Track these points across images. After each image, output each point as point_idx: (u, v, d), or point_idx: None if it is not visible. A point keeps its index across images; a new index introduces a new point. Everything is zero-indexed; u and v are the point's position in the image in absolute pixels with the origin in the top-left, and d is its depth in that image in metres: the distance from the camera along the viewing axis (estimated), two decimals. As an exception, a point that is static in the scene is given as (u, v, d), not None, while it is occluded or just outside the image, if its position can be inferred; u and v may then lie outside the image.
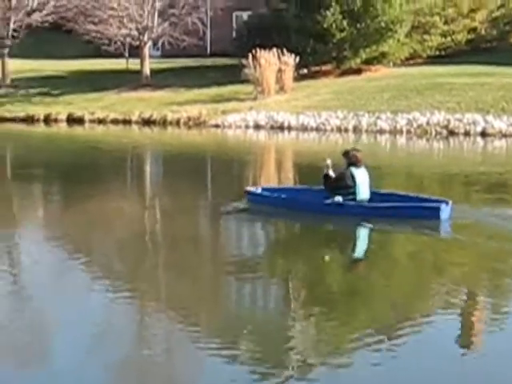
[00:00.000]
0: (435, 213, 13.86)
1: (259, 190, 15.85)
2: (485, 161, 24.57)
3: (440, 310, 9.59)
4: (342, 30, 37.49)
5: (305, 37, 37.34)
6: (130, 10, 41.41)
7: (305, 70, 39.53)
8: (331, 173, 14.77)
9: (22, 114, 38.58)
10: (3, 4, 43.94)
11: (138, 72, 41.97)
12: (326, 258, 12.45)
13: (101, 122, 36.68)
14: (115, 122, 36.38)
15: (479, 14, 43.19)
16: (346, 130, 31.16)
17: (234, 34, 45.27)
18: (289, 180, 20.96)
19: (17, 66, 45.17)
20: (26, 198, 18.52)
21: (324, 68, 40.06)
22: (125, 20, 41.86)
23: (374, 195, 14.67)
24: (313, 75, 39.77)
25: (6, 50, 44.46)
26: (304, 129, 31.90)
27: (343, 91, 35.68)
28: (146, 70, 41.96)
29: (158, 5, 41.89)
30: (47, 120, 37.78)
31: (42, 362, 8.13)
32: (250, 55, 35.70)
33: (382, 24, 37.47)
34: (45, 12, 44.63)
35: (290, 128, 32.22)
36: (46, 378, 7.75)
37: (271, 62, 35.98)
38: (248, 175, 22.02)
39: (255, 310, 9.78)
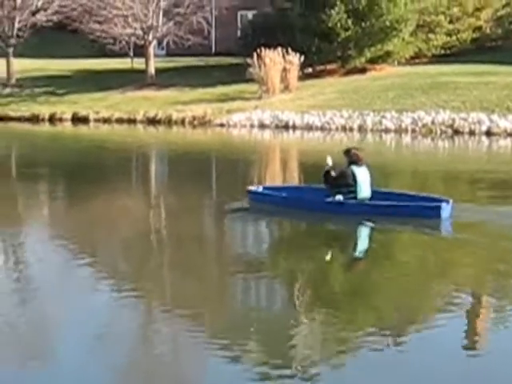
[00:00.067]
0: (436, 211, 13.85)
1: (260, 189, 15.87)
2: (490, 160, 24.55)
3: (443, 310, 9.57)
4: (346, 29, 37.49)
5: (309, 36, 37.34)
6: (135, 10, 41.43)
7: (309, 69, 39.53)
8: (332, 171, 14.76)
9: (27, 114, 38.66)
10: (8, 3, 44.00)
11: (143, 71, 42.00)
12: (328, 257, 12.46)
13: (106, 121, 36.73)
14: (120, 121, 36.43)
15: (484, 13, 43.16)
16: (351, 129, 31.15)
17: (238, 33, 45.30)
18: (294, 179, 20.96)
19: (22, 66, 45.22)
20: (31, 197, 18.54)
21: (329, 67, 40.05)
22: (130, 19, 41.89)
23: (375, 194, 14.66)
24: (317, 74, 39.76)
25: (11, 50, 44.53)
26: (309, 128, 31.91)
27: (348, 90, 35.67)
28: (151, 70, 41.98)
29: (162, 4, 41.93)
30: (52, 119, 37.85)
31: (46, 362, 8.13)
32: (255, 54, 35.73)
33: (387, 23, 37.46)
34: (50, 11, 44.73)
35: (294, 127, 32.22)
36: (50, 377, 7.74)
37: (276, 61, 36.00)
38: (253, 174, 22.02)
39: (259, 309, 9.77)
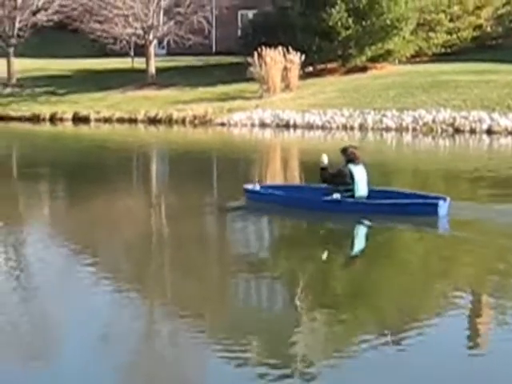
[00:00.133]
0: (433, 209, 13.88)
1: (257, 188, 15.89)
2: (491, 158, 24.54)
3: (442, 309, 9.57)
4: (347, 28, 37.48)
5: (310, 35, 37.34)
6: (136, 9, 41.44)
7: (310, 68, 39.54)
8: (329, 169, 14.76)
9: (27, 113, 38.68)
10: (9, 3, 44.02)
11: (144, 71, 42.00)
12: (326, 256, 12.45)
13: (106, 120, 36.74)
14: (121, 120, 36.45)
15: (484, 12, 43.14)
16: (352, 128, 31.15)
17: (239, 33, 45.31)
18: (294, 178, 20.97)
19: (22, 66, 45.23)
20: (32, 197, 18.55)
21: (329, 66, 40.04)
22: (130, 19, 41.90)
23: (371, 192, 14.67)
24: (318, 73, 39.76)
25: (12, 50, 44.55)
26: (310, 127, 31.91)
27: (349, 89, 35.67)
28: (152, 69, 41.98)
29: (163, 3, 41.94)
30: (53, 119, 37.87)
31: (47, 362, 8.13)
32: (256, 53, 35.73)
33: (388, 22, 37.46)
34: (50, 11, 44.75)
35: (295, 126, 32.23)
36: (52, 377, 7.74)
37: (277, 61, 36.00)
38: (254, 173, 22.01)
39: (259, 309, 9.77)
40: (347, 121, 31.65)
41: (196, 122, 34.57)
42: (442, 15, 41.22)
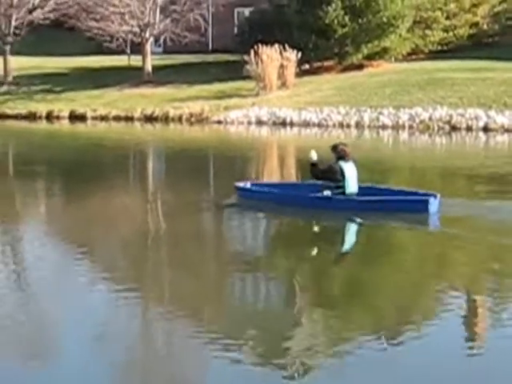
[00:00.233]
0: (424, 206, 13.90)
1: (248, 185, 15.90)
2: (487, 156, 24.56)
3: (438, 308, 9.56)
4: (343, 26, 37.49)
5: (306, 32, 37.35)
6: (132, 7, 41.41)
7: (307, 66, 39.55)
8: (319, 165, 14.79)
9: (24, 111, 38.66)
10: (5, 1, 43.97)
11: (140, 69, 41.98)
12: (318, 254, 12.46)
13: (103, 118, 36.73)
14: (117, 118, 36.44)
15: (481, 9, 43.17)
16: (349, 126, 31.17)
17: (235, 30, 45.28)
18: (291, 176, 20.98)
19: (19, 63, 45.18)
20: (28, 195, 18.53)
21: (326, 64, 40.05)
22: (126, 17, 41.87)
23: (360, 189, 14.68)
24: (315, 71, 39.77)
25: (8, 47, 44.49)
26: (306, 125, 31.92)
27: (345, 87, 35.68)
28: (148, 67, 41.96)
29: (159, 1, 41.91)
30: (49, 117, 37.85)
31: (45, 361, 8.12)
32: (252, 51, 35.74)
33: (384, 19, 37.47)
34: (46, 9, 44.70)
35: (292, 124, 32.24)
36: (50, 376, 7.73)
37: (273, 58, 36.01)
38: (250, 171, 22.02)
39: (256, 308, 9.76)
40: (343, 118, 31.66)
41: (192, 119, 34.57)
42: (438, 13, 41.23)
